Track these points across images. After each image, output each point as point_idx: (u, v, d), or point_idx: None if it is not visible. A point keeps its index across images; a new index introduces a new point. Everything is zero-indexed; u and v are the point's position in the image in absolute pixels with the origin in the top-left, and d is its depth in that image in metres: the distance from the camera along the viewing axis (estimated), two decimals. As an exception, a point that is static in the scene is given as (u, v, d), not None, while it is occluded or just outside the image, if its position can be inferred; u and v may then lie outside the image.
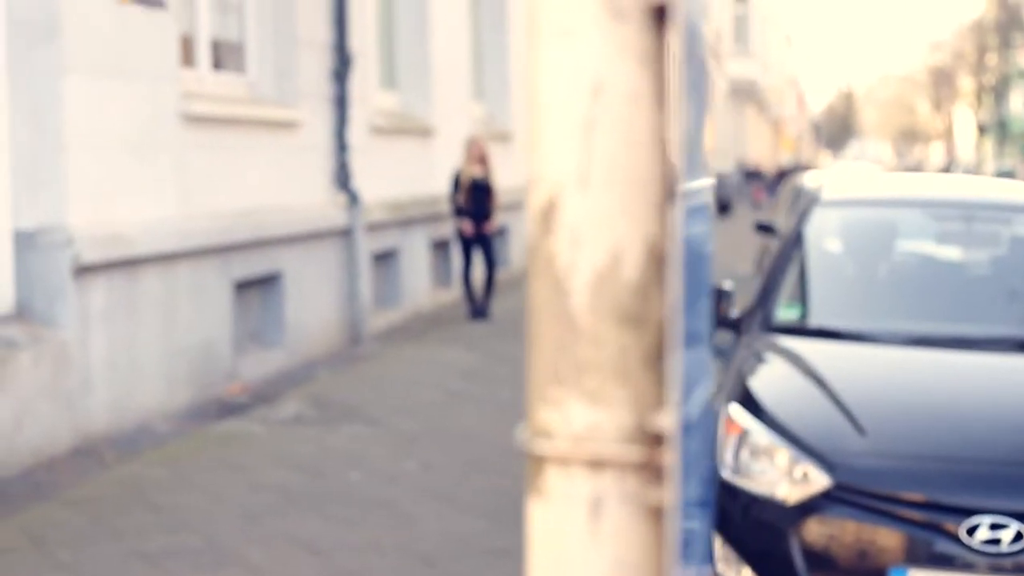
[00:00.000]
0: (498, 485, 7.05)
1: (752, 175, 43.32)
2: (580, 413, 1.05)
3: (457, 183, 13.77)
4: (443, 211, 14.07)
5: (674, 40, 1.06)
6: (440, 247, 14.72)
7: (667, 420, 1.03)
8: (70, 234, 7.33)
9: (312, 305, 10.99)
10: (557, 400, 1.04)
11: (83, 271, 7.43)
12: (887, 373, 4.94)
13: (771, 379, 4.90)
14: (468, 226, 13.65)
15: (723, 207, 37.66)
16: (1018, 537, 3.99)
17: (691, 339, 1.04)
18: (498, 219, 14.26)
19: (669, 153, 1.02)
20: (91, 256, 7.45)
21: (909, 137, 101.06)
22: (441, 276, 14.96)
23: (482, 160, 13.84)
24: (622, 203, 0.98)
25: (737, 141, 56.35)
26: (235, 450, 7.62)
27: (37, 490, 6.58)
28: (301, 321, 10.72)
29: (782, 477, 4.28)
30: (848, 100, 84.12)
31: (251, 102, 10.28)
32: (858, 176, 9.18)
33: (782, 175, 39.99)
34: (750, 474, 4.36)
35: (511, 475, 7.28)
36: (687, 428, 1.00)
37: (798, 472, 4.25)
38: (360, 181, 11.89)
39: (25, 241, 7.32)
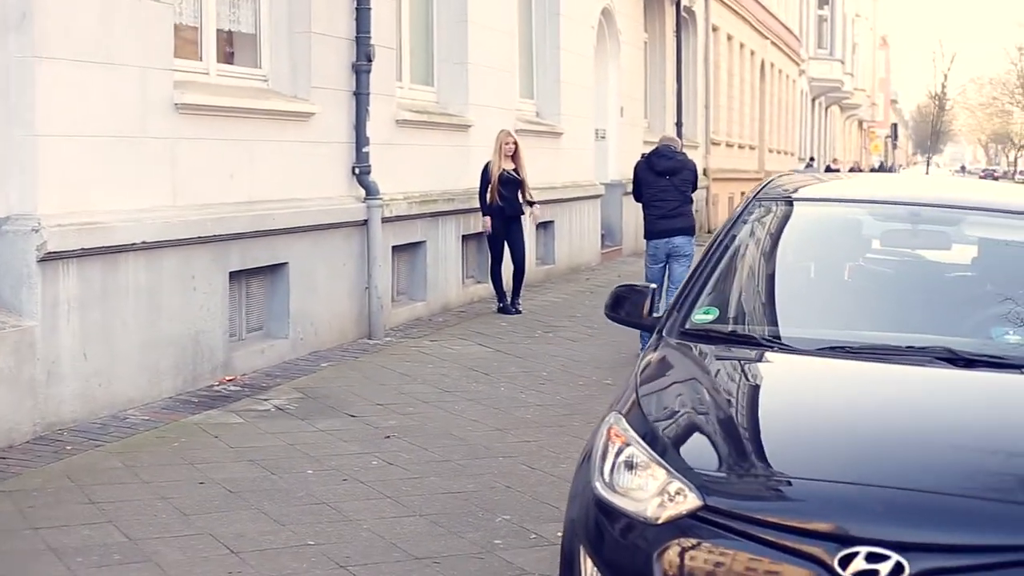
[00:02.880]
0: (453, 487, 6.95)
1: (832, 171, 42.85)
2: None
3: (487, 177, 13.72)
4: (477, 205, 13.98)
5: None
6: (473, 241, 14.62)
7: None
8: (38, 221, 7.35)
9: (323, 297, 10.96)
10: None
11: (53, 259, 7.44)
12: (791, 385, 4.69)
13: (664, 388, 4.68)
14: (489, 224, 13.67)
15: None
16: (898, 570, 3.68)
17: None
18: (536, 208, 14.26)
19: None
20: (61, 244, 7.47)
21: (1003, 142, 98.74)
22: (473, 270, 14.87)
23: (513, 155, 13.77)
24: None
25: (821, 141, 55.55)
26: (200, 442, 7.60)
27: (-22, 477, 6.61)
28: (309, 313, 10.69)
29: (655, 495, 4.06)
30: (939, 103, 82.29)
31: (260, 94, 10.25)
32: (865, 178, 8.89)
33: (851, 172, 39.61)
34: (625, 490, 4.15)
35: (471, 476, 7.20)
36: None
37: (671, 490, 4.03)
38: (382, 174, 11.84)
39: (-9, 228, 7.37)
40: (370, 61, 11.54)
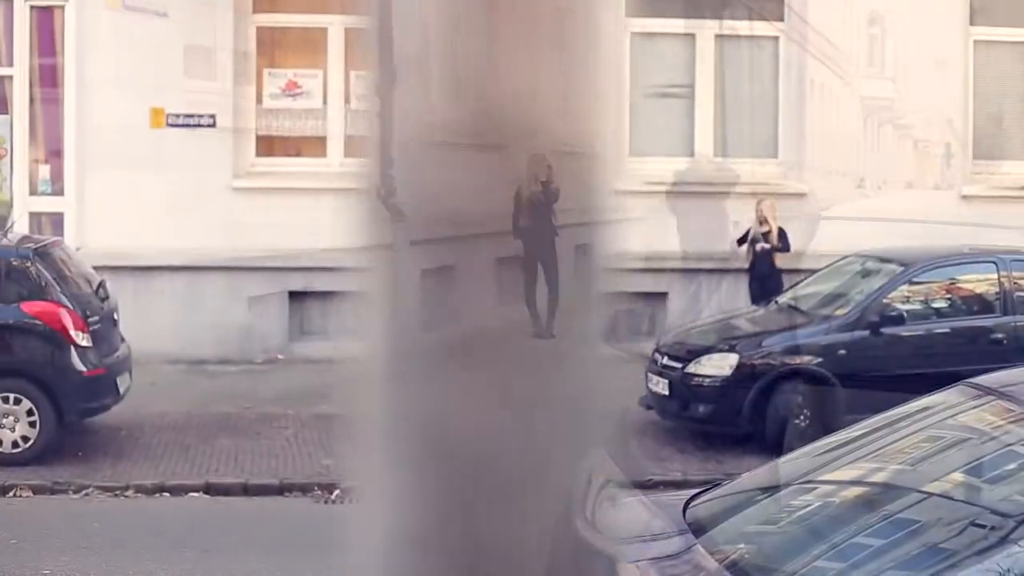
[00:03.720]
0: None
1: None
2: None
3: (519, 200, 13.52)
4: (510, 227, 13.78)
5: None
6: (507, 264, 14.41)
7: None
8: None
9: (347, 320, 10.75)
10: None
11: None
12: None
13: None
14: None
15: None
16: None
17: None
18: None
19: None
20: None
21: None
22: (507, 294, 14.65)
23: (544, 178, 13.55)
24: None
25: (872, 160, 55.23)
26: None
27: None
28: (331, 336, 10.48)
29: (638, 535, 3.78)
30: (995, 121, 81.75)
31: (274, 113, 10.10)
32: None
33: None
34: (607, 529, 3.87)
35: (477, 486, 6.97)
36: None
37: (655, 529, 3.77)
38: (409, 195, 11.61)
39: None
40: (392, 79, 11.33)
